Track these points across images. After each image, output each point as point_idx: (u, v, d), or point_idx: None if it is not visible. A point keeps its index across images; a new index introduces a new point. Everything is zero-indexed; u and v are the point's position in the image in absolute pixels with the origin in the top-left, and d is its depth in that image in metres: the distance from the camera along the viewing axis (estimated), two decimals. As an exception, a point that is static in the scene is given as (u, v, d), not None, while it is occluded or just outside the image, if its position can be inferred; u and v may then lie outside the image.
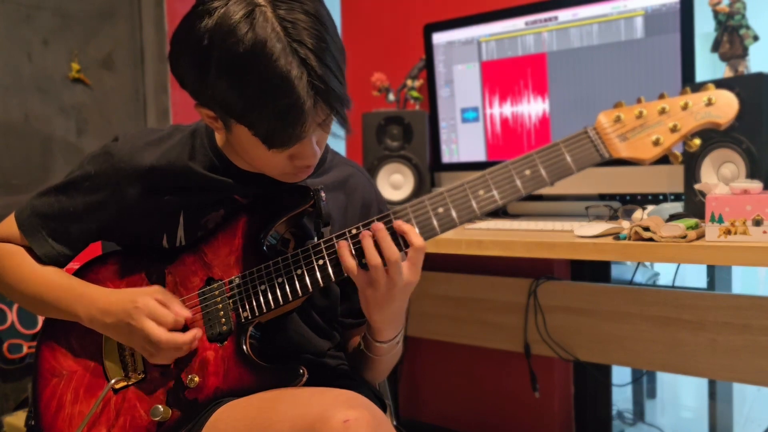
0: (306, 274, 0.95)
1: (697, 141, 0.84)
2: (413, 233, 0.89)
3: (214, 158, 1.04)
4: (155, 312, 0.95)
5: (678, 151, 0.86)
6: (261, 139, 0.87)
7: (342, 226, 1.10)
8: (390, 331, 1.02)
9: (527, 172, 0.87)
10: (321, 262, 0.94)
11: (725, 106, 0.83)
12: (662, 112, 0.84)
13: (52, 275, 1.05)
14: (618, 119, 0.85)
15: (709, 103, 0.83)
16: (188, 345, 0.96)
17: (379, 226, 0.89)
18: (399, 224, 0.89)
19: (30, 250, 1.07)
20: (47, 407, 1.05)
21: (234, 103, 0.86)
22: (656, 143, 0.84)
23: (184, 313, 0.97)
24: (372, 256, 0.89)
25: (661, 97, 0.86)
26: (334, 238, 0.94)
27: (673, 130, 0.84)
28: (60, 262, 1.08)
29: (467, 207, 0.88)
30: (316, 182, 1.08)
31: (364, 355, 1.07)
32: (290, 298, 0.96)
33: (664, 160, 1.64)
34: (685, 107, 0.84)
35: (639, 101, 0.86)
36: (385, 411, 1.15)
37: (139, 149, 1.04)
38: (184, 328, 0.98)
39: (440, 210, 0.89)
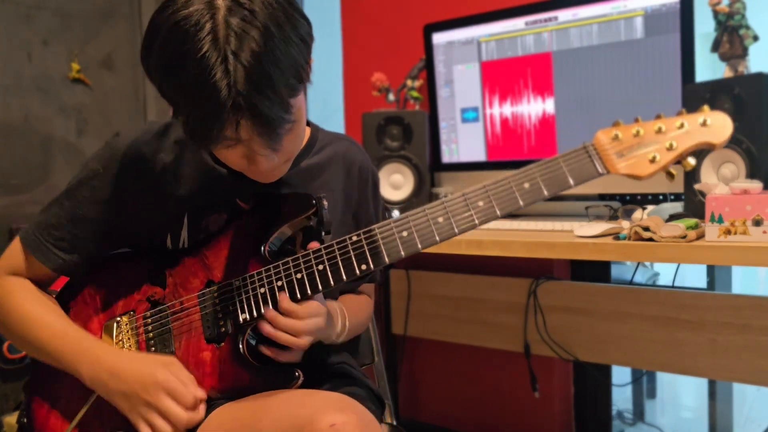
0: (306, 278, 0.95)
1: (692, 161, 0.87)
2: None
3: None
4: (174, 390, 0.92)
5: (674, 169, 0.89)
6: (187, 135, 0.87)
7: (343, 199, 1.12)
8: (325, 338, 1.04)
9: (526, 185, 0.89)
10: (321, 267, 0.95)
11: (720, 128, 0.86)
12: (659, 131, 0.87)
13: (56, 321, 1.02)
14: (616, 137, 0.88)
15: (704, 124, 0.87)
16: (199, 423, 0.94)
17: (273, 315, 0.95)
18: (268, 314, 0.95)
19: (36, 275, 1.05)
20: (40, 406, 1.04)
21: (168, 95, 0.87)
22: (653, 161, 0.87)
23: (200, 394, 0.95)
24: (283, 337, 0.94)
25: (658, 117, 0.89)
26: (323, 250, 0.96)
27: (669, 149, 0.87)
28: (73, 273, 1.06)
29: (466, 218, 0.90)
30: (314, 162, 1.09)
31: None
32: None
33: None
34: (681, 127, 0.87)
35: (636, 121, 0.89)
36: (384, 411, 1.15)
37: (144, 142, 1.03)
38: None
39: (440, 220, 0.91)
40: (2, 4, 2.15)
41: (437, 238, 0.91)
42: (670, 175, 0.88)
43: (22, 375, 2.14)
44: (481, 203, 0.90)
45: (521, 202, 0.88)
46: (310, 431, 0.82)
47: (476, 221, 0.90)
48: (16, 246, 1.06)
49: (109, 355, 0.97)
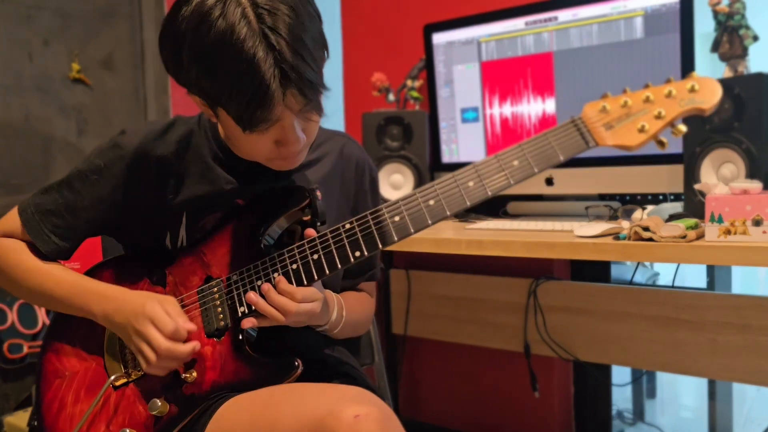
0: (301, 268, 0.97)
1: (682, 127, 0.85)
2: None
3: (217, 149, 1.05)
4: (157, 318, 0.95)
5: (665, 138, 0.88)
6: (234, 121, 0.89)
7: (341, 195, 1.14)
8: (316, 324, 1.05)
9: (515, 162, 0.89)
10: (316, 256, 0.96)
11: (709, 92, 0.85)
12: (647, 100, 0.86)
13: (60, 272, 1.06)
14: (603, 109, 0.88)
15: (693, 89, 0.85)
16: (185, 356, 0.97)
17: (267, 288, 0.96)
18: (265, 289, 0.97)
19: (32, 246, 1.07)
20: (49, 408, 1.05)
21: (207, 87, 0.89)
22: (641, 130, 0.86)
23: (188, 326, 0.97)
24: (272, 313, 0.96)
25: (646, 86, 0.88)
26: (317, 239, 0.96)
27: (658, 117, 0.85)
28: (63, 258, 1.09)
29: (458, 198, 0.90)
30: (312, 156, 1.11)
31: None
32: None
33: (663, 160, 1.63)
34: (669, 95, 0.86)
35: (624, 91, 0.88)
36: (384, 411, 1.15)
37: (149, 140, 1.04)
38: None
39: (431, 202, 0.91)
40: (2, 4, 2.15)
41: (429, 221, 0.92)
42: (661, 144, 0.86)
43: (22, 375, 2.14)
44: (471, 184, 0.90)
45: (511, 181, 0.88)
46: (331, 422, 0.82)
47: (467, 202, 0.90)
48: (14, 217, 1.08)
49: (114, 293, 1.01)
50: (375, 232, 0.93)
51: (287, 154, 0.96)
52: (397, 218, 0.93)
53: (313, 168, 1.11)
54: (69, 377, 1.06)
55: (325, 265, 0.96)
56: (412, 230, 0.92)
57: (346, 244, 0.95)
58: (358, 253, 0.94)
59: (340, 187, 1.14)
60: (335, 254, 0.95)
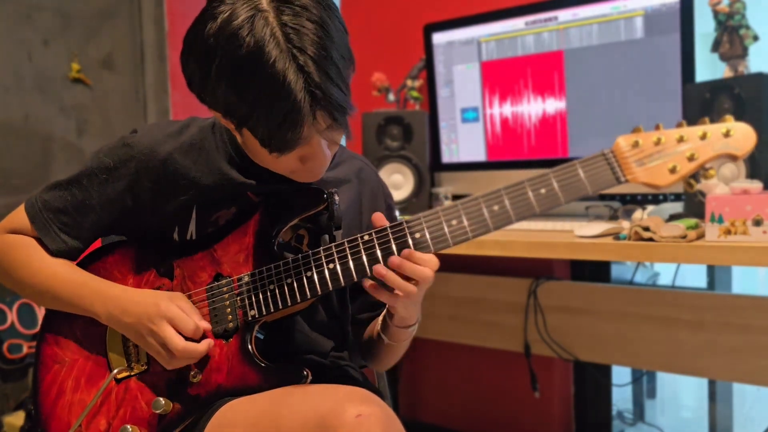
0: (316, 276, 0.95)
1: (713, 172, 0.85)
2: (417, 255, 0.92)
3: (233, 154, 1.04)
4: (176, 318, 0.94)
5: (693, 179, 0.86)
6: (260, 143, 0.88)
7: (355, 218, 1.12)
8: (415, 317, 1.03)
9: (542, 190, 0.87)
10: (331, 266, 0.95)
11: (743, 139, 0.83)
12: (680, 140, 0.85)
13: (66, 270, 1.04)
14: (636, 144, 0.85)
15: (727, 134, 0.83)
16: (201, 355, 0.96)
17: (399, 260, 0.91)
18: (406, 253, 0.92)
19: (41, 243, 1.06)
20: (47, 394, 1.05)
21: (233, 107, 0.88)
22: (673, 171, 0.84)
23: (204, 324, 0.97)
24: (404, 286, 0.91)
25: (680, 125, 0.86)
26: (334, 248, 0.95)
27: (691, 159, 0.84)
28: (71, 257, 1.08)
29: (481, 221, 0.89)
30: (329, 176, 1.08)
31: (385, 344, 1.08)
32: (298, 300, 0.96)
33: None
34: (703, 137, 0.84)
35: (657, 128, 0.86)
36: (385, 411, 1.15)
37: (159, 142, 1.03)
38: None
39: (453, 222, 0.90)
40: (2, 4, 2.15)
41: (450, 242, 0.91)
42: (689, 185, 0.85)
43: (22, 375, 2.14)
44: (496, 207, 0.88)
45: (537, 209, 0.87)
46: (333, 421, 0.82)
47: (491, 226, 0.89)
48: (21, 214, 1.07)
49: (120, 293, 1.00)
50: (394, 247, 0.92)
51: (312, 169, 0.96)
52: (417, 235, 0.92)
53: (329, 186, 1.07)
54: (69, 363, 1.05)
55: (341, 275, 0.94)
56: (432, 249, 0.92)
57: (364, 256, 0.93)
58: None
59: (353, 210, 1.12)
60: (352, 266, 0.94)
